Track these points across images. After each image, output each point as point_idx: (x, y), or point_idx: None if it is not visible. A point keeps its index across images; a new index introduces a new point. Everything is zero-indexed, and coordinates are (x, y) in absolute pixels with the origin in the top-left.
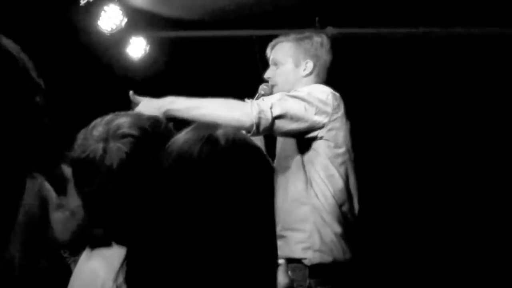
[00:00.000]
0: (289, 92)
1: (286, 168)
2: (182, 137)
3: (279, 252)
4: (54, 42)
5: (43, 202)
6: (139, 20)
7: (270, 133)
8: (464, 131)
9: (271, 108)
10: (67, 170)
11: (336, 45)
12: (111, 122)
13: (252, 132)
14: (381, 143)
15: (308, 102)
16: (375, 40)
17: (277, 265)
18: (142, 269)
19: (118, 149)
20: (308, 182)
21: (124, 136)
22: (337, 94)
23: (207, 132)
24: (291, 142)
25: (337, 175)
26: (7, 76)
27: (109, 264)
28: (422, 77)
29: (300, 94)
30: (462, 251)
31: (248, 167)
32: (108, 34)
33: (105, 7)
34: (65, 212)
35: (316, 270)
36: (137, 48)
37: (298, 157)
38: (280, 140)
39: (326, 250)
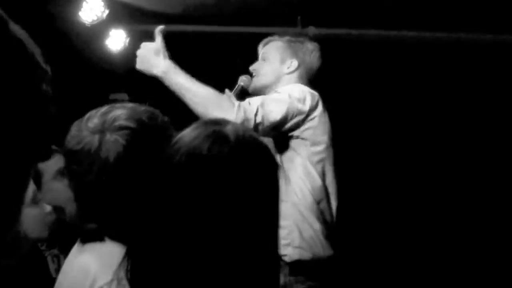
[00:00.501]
0: (265, 87)
1: None
2: (190, 133)
3: None
4: (33, 31)
5: None
6: (120, 13)
7: None
8: (454, 129)
9: (255, 114)
10: (40, 164)
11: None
12: (107, 114)
13: None
14: (363, 141)
15: (289, 104)
16: (357, 40)
17: (280, 264)
18: (146, 266)
19: (114, 141)
20: (287, 180)
21: (121, 128)
22: (315, 93)
23: (217, 128)
24: (269, 141)
25: (314, 173)
26: (15, 62)
27: (102, 260)
28: (406, 78)
29: (281, 96)
30: (456, 247)
31: (257, 164)
32: (89, 26)
33: None
34: (41, 208)
35: (296, 267)
36: (116, 40)
37: (276, 156)
38: None
39: (305, 246)
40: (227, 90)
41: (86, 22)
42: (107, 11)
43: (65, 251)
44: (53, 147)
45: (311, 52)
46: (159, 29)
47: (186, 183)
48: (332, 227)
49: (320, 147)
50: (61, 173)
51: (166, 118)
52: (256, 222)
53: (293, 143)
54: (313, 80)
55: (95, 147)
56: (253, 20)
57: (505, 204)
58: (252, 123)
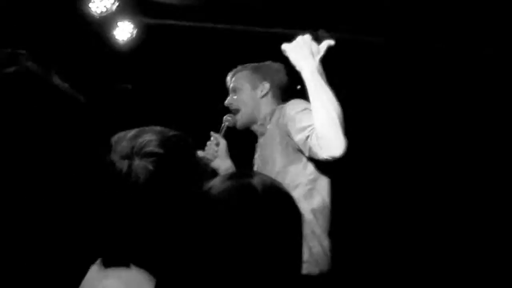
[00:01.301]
0: (250, 118)
1: (282, 178)
2: (219, 184)
3: None
4: (42, 22)
5: None
6: (129, 4)
7: None
8: (453, 129)
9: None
10: None
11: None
12: (136, 138)
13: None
14: (369, 145)
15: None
16: (367, 44)
17: None
18: None
19: (143, 167)
20: (302, 195)
21: (149, 154)
22: None
23: (246, 181)
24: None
25: (322, 191)
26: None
27: None
28: (413, 82)
29: (308, 122)
30: (455, 248)
31: (283, 214)
32: (98, 17)
33: None
34: None
35: (304, 281)
36: (124, 31)
37: (292, 171)
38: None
39: (313, 262)
40: (212, 132)
41: (95, 14)
42: (116, 3)
43: None
44: None
45: (278, 71)
46: (328, 43)
47: (217, 230)
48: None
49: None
50: None
51: (193, 142)
52: (280, 266)
53: (316, 162)
54: (285, 97)
55: (124, 172)
56: (263, 21)
57: (505, 204)
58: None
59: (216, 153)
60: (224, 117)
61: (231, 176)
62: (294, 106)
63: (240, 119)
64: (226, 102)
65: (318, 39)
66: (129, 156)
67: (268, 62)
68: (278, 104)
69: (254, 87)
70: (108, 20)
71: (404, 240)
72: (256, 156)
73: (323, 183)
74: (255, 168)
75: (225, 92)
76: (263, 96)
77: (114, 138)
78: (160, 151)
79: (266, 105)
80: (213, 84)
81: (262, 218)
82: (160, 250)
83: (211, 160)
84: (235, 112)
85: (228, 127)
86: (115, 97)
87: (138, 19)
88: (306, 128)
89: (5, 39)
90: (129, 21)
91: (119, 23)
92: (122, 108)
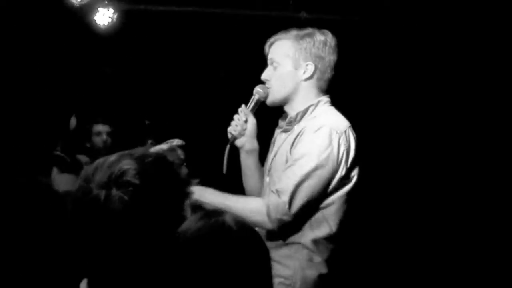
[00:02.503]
0: (284, 99)
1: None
2: (192, 226)
3: None
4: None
5: None
6: None
7: None
8: (453, 128)
9: (289, 207)
10: None
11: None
12: (114, 166)
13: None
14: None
15: (325, 169)
16: (348, 25)
17: None
18: None
19: (120, 198)
20: (307, 220)
21: (126, 184)
22: (344, 129)
23: (219, 219)
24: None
25: (341, 207)
26: None
27: None
28: (399, 64)
29: (313, 164)
30: (455, 248)
31: (255, 252)
32: (77, 5)
33: None
34: None
35: None
36: (104, 16)
37: None
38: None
39: None
40: (243, 106)
41: (75, 2)
42: None
43: None
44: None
45: (324, 45)
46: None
47: (190, 269)
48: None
49: (351, 183)
50: None
51: (176, 167)
52: None
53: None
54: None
55: (101, 203)
56: (244, 3)
57: (505, 204)
58: (288, 218)
59: (244, 131)
60: (255, 88)
61: (203, 216)
62: (316, 137)
63: (272, 96)
64: (264, 75)
65: (301, 21)
66: (107, 186)
67: (312, 31)
68: (319, 95)
69: (296, 66)
70: (88, 7)
71: (402, 241)
72: (271, 155)
73: (333, 209)
74: (267, 169)
75: (206, 76)
76: (305, 80)
77: (93, 166)
78: (137, 181)
79: (306, 91)
80: (194, 67)
81: (237, 256)
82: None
83: (236, 138)
84: (269, 87)
85: (258, 101)
86: (98, 81)
87: (118, 5)
88: (294, 183)
89: None
90: (109, 7)
91: (99, 9)
92: (105, 92)
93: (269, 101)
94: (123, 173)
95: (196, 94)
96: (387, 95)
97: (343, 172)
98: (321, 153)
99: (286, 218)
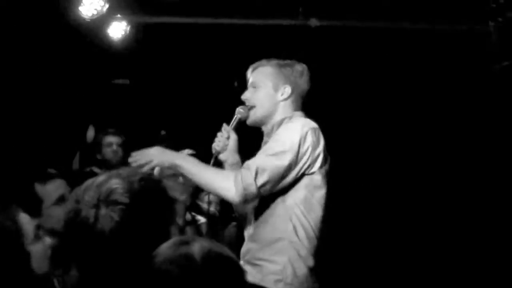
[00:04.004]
0: (263, 117)
1: (266, 200)
2: (163, 252)
3: (251, 278)
4: (36, 28)
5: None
6: (121, 4)
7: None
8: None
9: (255, 178)
10: (40, 189)
11: (319, 36)
12: (103, 186)
13: (243, 203)
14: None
15: (290, 152)
16: (358, 32)
17: None
18: None
19: (109, 217)
20: (287, 216)
21: (115, 203)
22: (315, 126)
23: (185, 250)
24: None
25: (317, 206)
26: None
27: None
28: (405, 69)
29: (280, 147)
30: (455, 249)
31: (223, 280)
32: (89, 20)
33: None
34: (43, 243)
35: None
36: (117, 29)
37: (278, 191)
38: None
39: (297, 283)
40: (224, 124)
41: (86, 17)
42: (107, 5)
43: (68, 271)
44: (53, 171)
45: (301, 74)
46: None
47: None
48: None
49: (321, 177)
50: (61, 199)
51: (163, 185)
52: None
53: (296, 179)
54: (305, 101)
55: (91, 222)
56: (255, 12)
57: (505, 204)
58: (253, 188)
59: (226, 146)
60: (237, 109)
61: (173, 244)
62: (288, 128)
63: (253, 116)
64: (244, 96)
65: (310, 28)
66: (96, 205)
67: (292, 62)
68: (294, 111)
69: (276, 88)
70: (100, 20)
71: (400, 241)
72: None
73: (315, 201)
74: None
75: (219, 87)
76: (283, 100)
77: (82, 187)
78: (125, 200)
79: (283, 109)
80: (207, 77)
81: (202, 285)
82: None
83: (220, 152)
84: (250, 107)
85: (240, 119)
86: (113, 93)
87: (131, 17)
88: (263, 160)
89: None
90: (122, 20)
91: (112, 22)
92: (120, 104)
93: (250, 120)
94: (111, 192)
95: (210, 104)
96: (389, 96)
97: (308, 162)
98: (291, 139)
99: (251, 189)
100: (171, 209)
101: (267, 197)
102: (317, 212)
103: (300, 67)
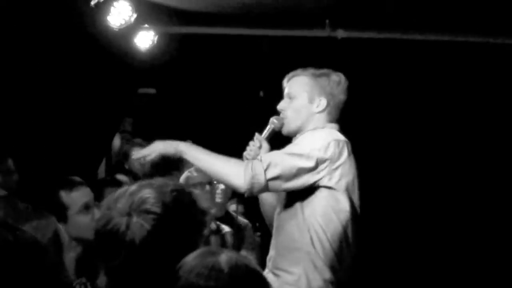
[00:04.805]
0: (298, 128)
1: (286, 208)
2: (189, 262)
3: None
4: (65, 38)
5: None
6: (148, 14)
7: (267, 192)
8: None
9: (265, 170)
10: (65, 197)
11: (346, 47)
12: (135, 195)
13: (247, 195)
14: (386, 146)
15: (307, 157)
16: (385, 43)
17: None
18: None
19: (140, 226)
20: (305, 226)
21: (147, 212)
22: (341, 139)
23: (212, 260)
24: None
25: (336, 221)
26: None
27: None
28: (432, 81)
29: (299, 149)
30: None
31: None
32: (117, 30)
33: (115, 3)
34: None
35: None
36: (145, 39)
37: (298, 200)
38: None
39: None
40: (257, 134)
41: (114, 27)
42: (134, 15)
43: (92, 279)
44: (78, 179)
45: (338, 85)
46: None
47: None
48: (347, 273)
49: (344, 194)
50: (86, 207)
51: (194, 196)
52: None
53: (316, 190)
54: (343, 112)
55: (122, 230)
56: (281, 24)
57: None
58: (261, 178)
59: (257, 156)
60: (271, 118)
61: (200, 254)
62: (312, 134)
63: (287, 126)
64: (279, 106)
65: (336, 40)
66: (128, 213)
67: (328, 71)
68: (329, 122)
69: (311, 100)
70: (128, 30)
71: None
72: None
73: (334, 215)
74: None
75: (245, 97)
76: (318, 112)
77: (115, 195)
78: (157, 209)
79: (317, 121)
80: (234, 87)
81: None
82: None
83: None
84: (284, 117)
85: (273, 130)
86: (140, 102)
87: (158, 27)
88: (278, 156)
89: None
90: (149, 30)
91: (140, 32)
92: (147, 113)
93: (284, 130)
94: (143, 201)
95: (235, 114)
96: (416, 108)
97: (324, 172)
98: (311, 145)
99: (259, 180)
100: (202, 220)
101: (287, 206)
102: (336, 226)
103: (337, 77)
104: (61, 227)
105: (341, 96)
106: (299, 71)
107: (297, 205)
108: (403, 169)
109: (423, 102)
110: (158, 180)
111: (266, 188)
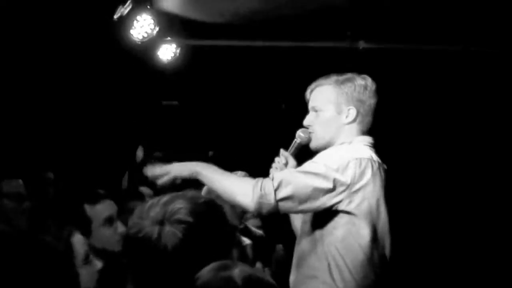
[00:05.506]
0: (327, 143)
1: (308, 234)
2: (204, 276)
3: None
4: (89, 53)
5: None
6: (171, 27)
7: (278, 213)
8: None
9: (276, 189)
10: (89, 210)
11: (367, 58)
12: (168, 205)
13: (256, 215)
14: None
15: (324, 177)
16: (407, 54)
17: None
18: None
19: (173, 234)
20: (324, 254)
21: (180, 222)
22: (364, 157)
23: (225, 274)
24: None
25: (357, 248)
26: None
27: None
28: (453, 91)
29: (315, 168)
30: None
31: None
32: (139, 43)
33: (138, 17)
34: (93, 266)
35: None
36: (167, 51)
37: (318, 227)
38: None
39: None
40: (282, 150)
41: (137, 40)
42: (157, 28)
43: None
44: (102, 192)
45: (365, 89)
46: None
47: None
48: None
49: (365, 220)
50: (109, 220)
51: (224, 210)
52: None
53: (335, 215)
54: (376, 116)
55: (154, 238)
56: (303, 35)
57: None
58: (271, 198)
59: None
60: (297, 132)
61: (213, 268)
62: (330, 153)
63: (315, 141)
64: (306, 121)
65: (357, 51)
66: (160, 222)
67: (352, 76)
68: (359, 134)
69: (339, 111)
70: (151, 43)
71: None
72: None
73: (339, 236)
74: None
75: (267, 109)
76: (347, 123)
77: (147, 204)
78: (190, 219)
79: (347, 133)
80: (256, 99)
81: None
82: None
83: None
84: (311, 133)
85: (299, 144)
86: (162, 114)
87: (181, 40)
88: (291, 174)
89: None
90: (172, 43)
91: (162, 45)
92: (170, 125)
93: (312, 146)
94: (176, 211)
95: (257, 126)
96: (437, 118)
97: (342, 195)
98: (328, 165)
99: (268, 199)
100: (232, 232)
101: (309, 232)
102: (357, 254)
103: (363, 81)
104: (79, 240)
105: (371, 101)
106: (321, 80)
107: (317, 232)
108: (425, 179)
109: (446, 112)
110: (191, 192)
111: (276, 209)
